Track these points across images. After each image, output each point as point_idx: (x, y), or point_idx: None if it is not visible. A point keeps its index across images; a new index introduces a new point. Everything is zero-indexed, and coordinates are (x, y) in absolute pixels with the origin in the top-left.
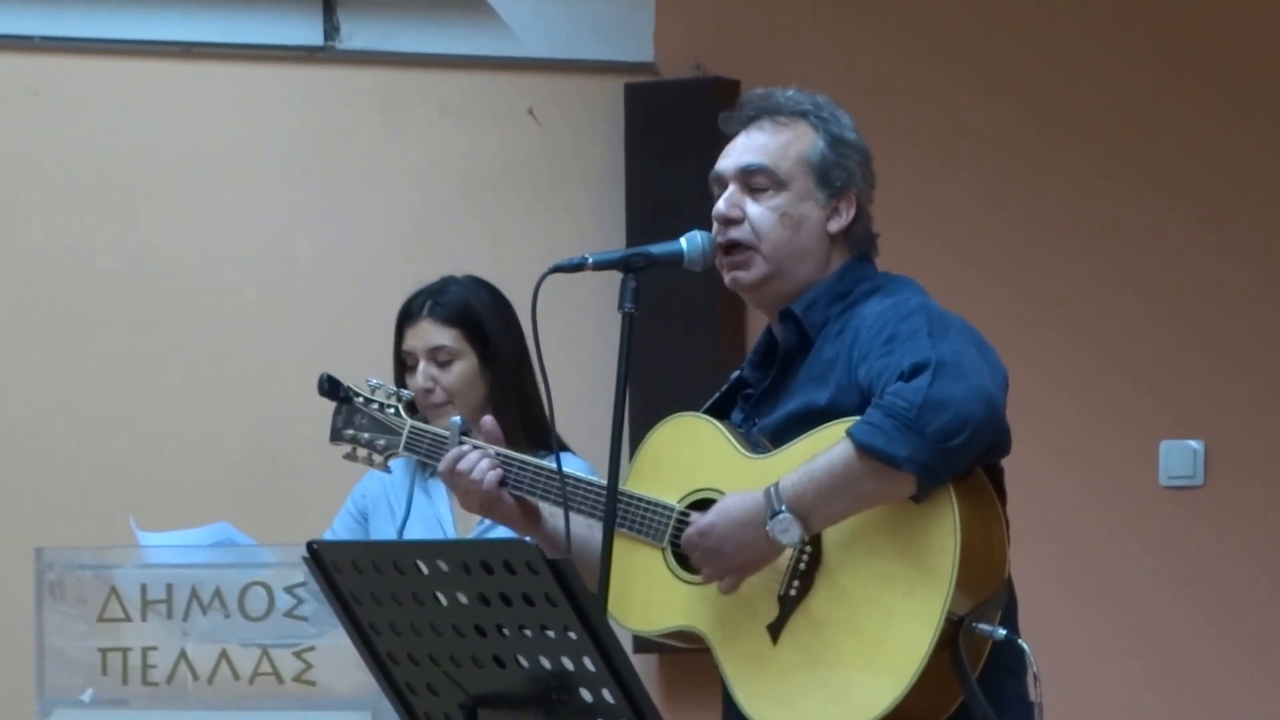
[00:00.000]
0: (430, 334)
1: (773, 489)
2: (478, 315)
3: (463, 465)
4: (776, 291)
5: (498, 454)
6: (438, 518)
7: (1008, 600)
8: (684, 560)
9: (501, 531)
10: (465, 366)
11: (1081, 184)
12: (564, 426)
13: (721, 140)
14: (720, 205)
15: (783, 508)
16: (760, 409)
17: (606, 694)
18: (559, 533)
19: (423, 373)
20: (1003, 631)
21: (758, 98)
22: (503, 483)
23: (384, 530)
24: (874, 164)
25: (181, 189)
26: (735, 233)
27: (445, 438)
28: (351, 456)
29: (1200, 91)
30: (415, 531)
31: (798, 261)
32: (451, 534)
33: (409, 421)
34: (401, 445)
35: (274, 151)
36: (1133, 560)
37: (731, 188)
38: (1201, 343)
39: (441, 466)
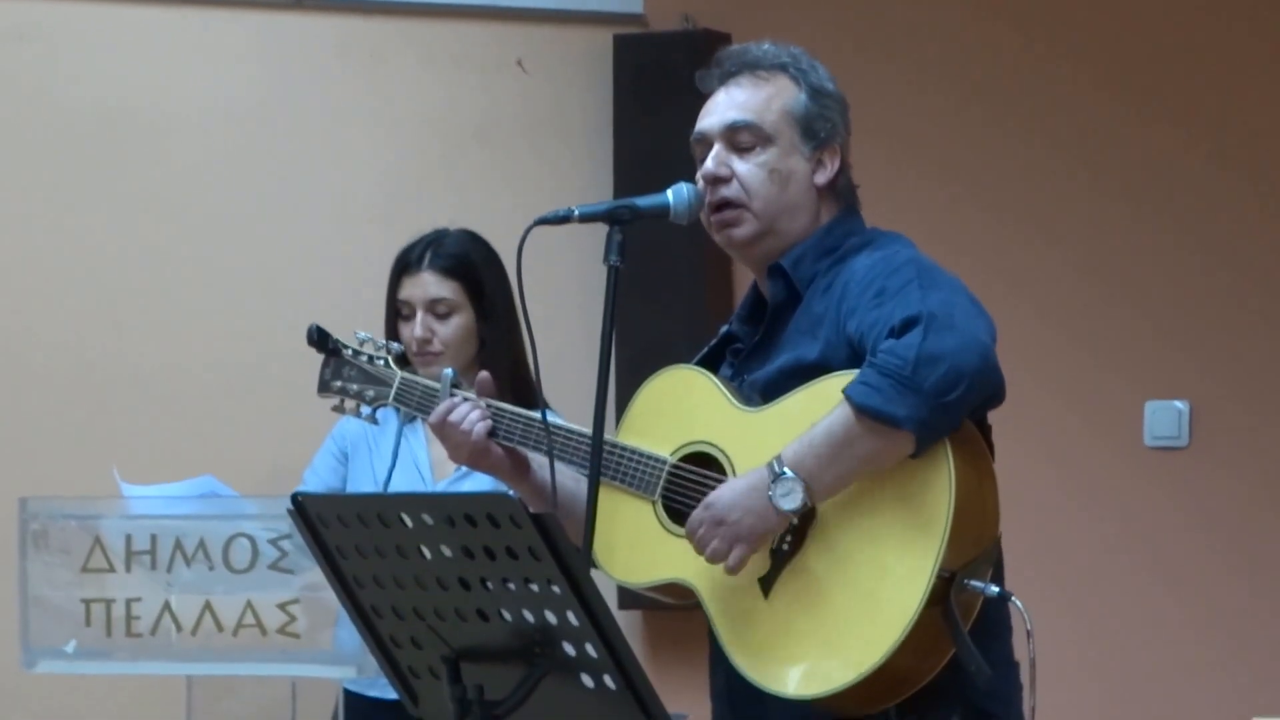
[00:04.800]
0: (430, 285)
1: (774, 459)
2: (477, 270)
3: (453, 417)
4: (768, 248)
5: (488, 405)
6: (415, 463)
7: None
8: (675, 514)
9: (474, 481)
10: (463, 320)
11: (1068, 143)
12: (549, 381)
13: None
14: (709, 164)
15: (785, 472)
16: (749, 364)
17: (589, 648)
18: (547, 485)
19: (420, 323)
20: (995, 588)
21: (735, 53)
22: (493, 434)
23: (362, 471)
24: (857, 112)
25: (164, 137)
26: (726, 191)
27: (436, 389)
28: (339, 408)
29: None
30: (396, 477)
31: (789, 217)
32: (429, 479)
33: (399, 373)
34: (391, 396)
35: (258, 100)
36: (1117, 522)
37: (717, 146)
38: (1188, 304)
39: (432, 418)
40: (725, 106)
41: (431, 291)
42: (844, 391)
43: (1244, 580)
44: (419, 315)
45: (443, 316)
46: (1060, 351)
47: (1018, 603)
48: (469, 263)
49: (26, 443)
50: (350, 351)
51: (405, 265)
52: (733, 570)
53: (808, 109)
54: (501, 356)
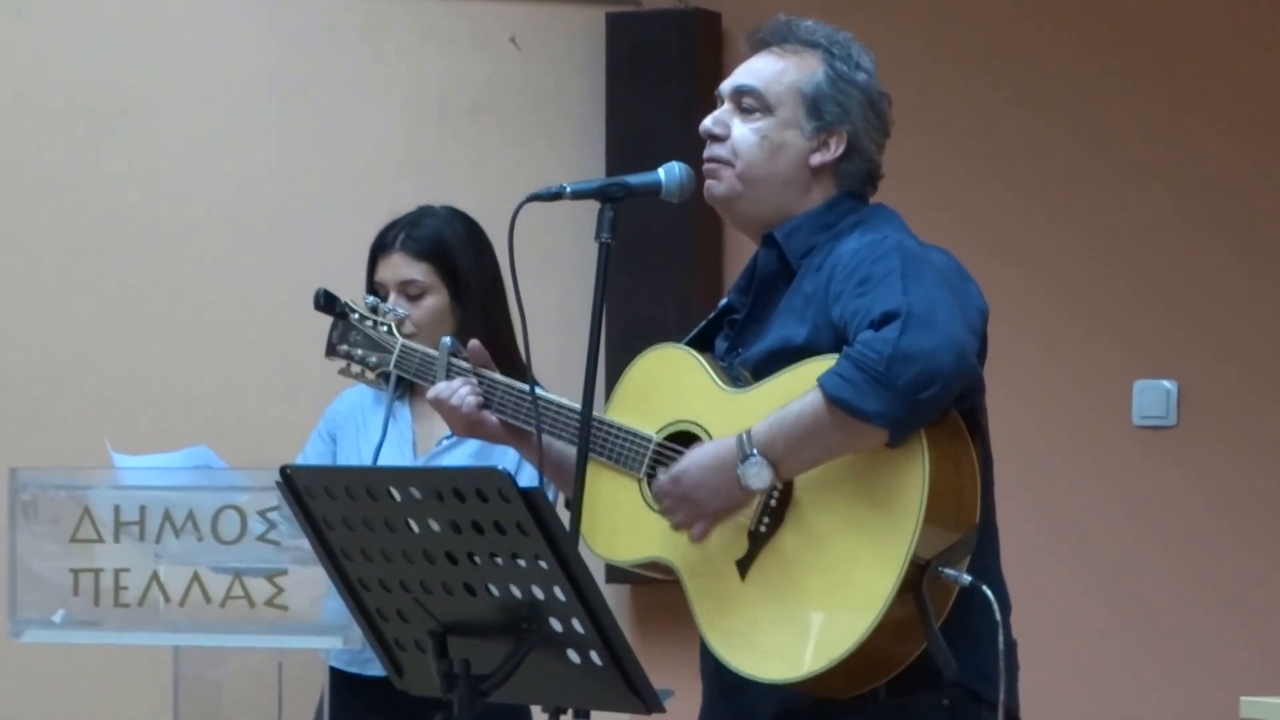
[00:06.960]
0: (401, 267)
1: (744, 435)
2: (450, 250)
3: (444, 393)
4: (748, 212)
5: (481, 379)
6: (400, 439)
7: (994, 540)
8: None
9: (453, 455)
10: (435, 301)
11: (1062, 120)
12: (539, 356)
13: (700, 72)
14: (706, 120)
15: (754, 453)
16: (744, 336)
17: (576, 624)
18: (550, 447)
19: (393, 305)
20: (968, 578)
21: (777, 24)
22: (486, 405)
23: (349, 448)
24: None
25: (162, 112)
26: (718, 148)
27: (434, 357)
28: (346, 372)
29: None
30: (383, 452)
31: (771, 186)
32: (408, 455)
33: (399, 340)
34: (392, 363)
35: (256, 75)
36: (1106, 500)
37: (724, 105)
38: (1177, 284)
39: (430, 394)
40: (744, 71)
41: (402, 273)
42: (819, 380)
43: (1232, 558)
44: (392, 297)
45: (414, 298)
46: (1050, 330)
47: (987, 592)
48: (442, 243)
49: (18, 414)
50: (357, 316)
51: (380, 247)
52: (696, 540)
53: (819, 89)
54: (476, 335)
